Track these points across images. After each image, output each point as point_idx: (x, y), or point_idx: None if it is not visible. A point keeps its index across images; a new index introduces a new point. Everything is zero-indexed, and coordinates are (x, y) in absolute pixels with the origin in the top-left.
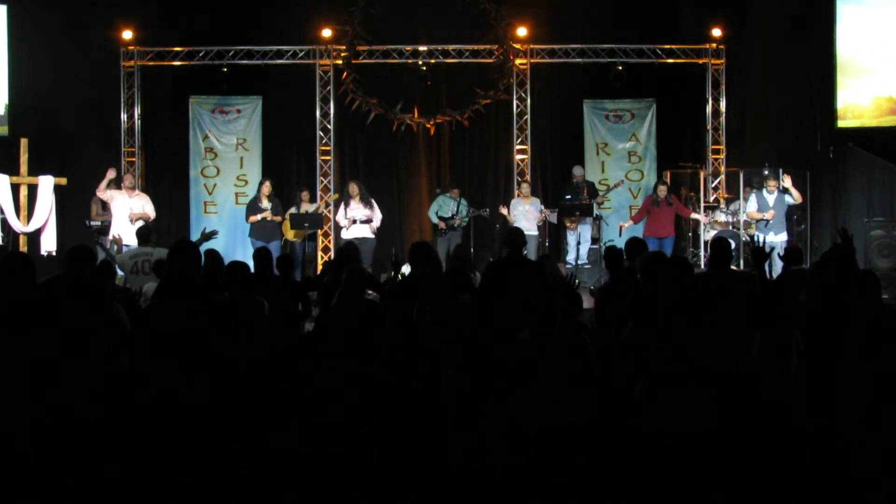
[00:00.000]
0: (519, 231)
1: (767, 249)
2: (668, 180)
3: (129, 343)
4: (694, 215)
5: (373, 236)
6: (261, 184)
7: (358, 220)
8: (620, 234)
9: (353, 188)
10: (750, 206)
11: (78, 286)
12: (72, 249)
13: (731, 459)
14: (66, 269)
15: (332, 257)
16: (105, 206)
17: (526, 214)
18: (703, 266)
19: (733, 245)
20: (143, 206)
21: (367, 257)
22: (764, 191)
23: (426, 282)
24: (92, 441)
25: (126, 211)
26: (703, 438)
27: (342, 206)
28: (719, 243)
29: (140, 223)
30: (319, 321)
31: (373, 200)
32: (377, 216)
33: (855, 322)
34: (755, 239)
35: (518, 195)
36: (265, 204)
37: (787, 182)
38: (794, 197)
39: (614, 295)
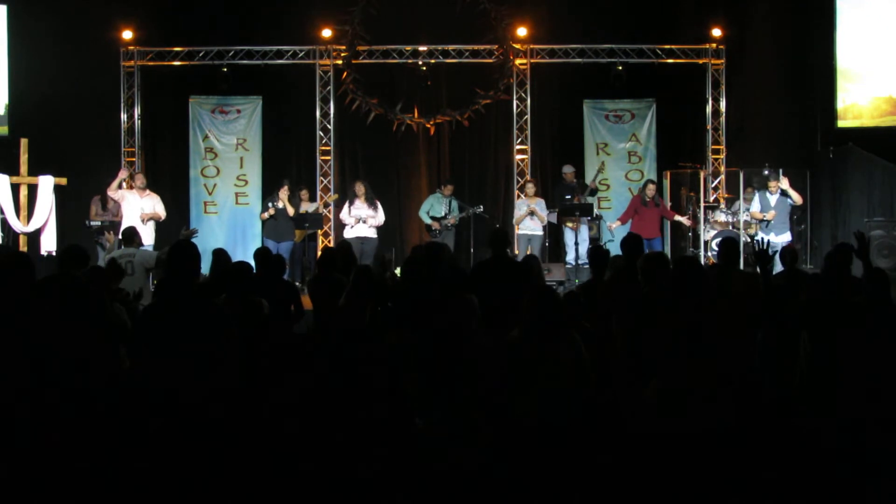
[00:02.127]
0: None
1: (770, 252)
2: (668, 180)
3: (129, 343)
4: (678, 218)
5: (375, 236)
6: (280, 187)
7: (362, 220)
8: (612, 235)
9: (360, 187)
10: (753, 207)
11: (75, 286)
12: (66, 249)
13: (733, 459)
14: (60, 269)
15: (322, 255)
16: (105, 205)
17: (531, 215)
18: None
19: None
20: (154, 206)
21: (369, 257)
22: (766, 192)
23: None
24: (91, 441)
25: (137, 211)
26: (705, 438)
27: (346, 205)
28: (728, 243)
29: (151, 224)
30: (321, 320)
31: (378, 202)
32: (380, 217)
33: (865, 323)
34: (758, 240)
35: (523, 196)
36: (280, 205)
37: (784, 184)
38: (794, 199)
39: (590, 296)
